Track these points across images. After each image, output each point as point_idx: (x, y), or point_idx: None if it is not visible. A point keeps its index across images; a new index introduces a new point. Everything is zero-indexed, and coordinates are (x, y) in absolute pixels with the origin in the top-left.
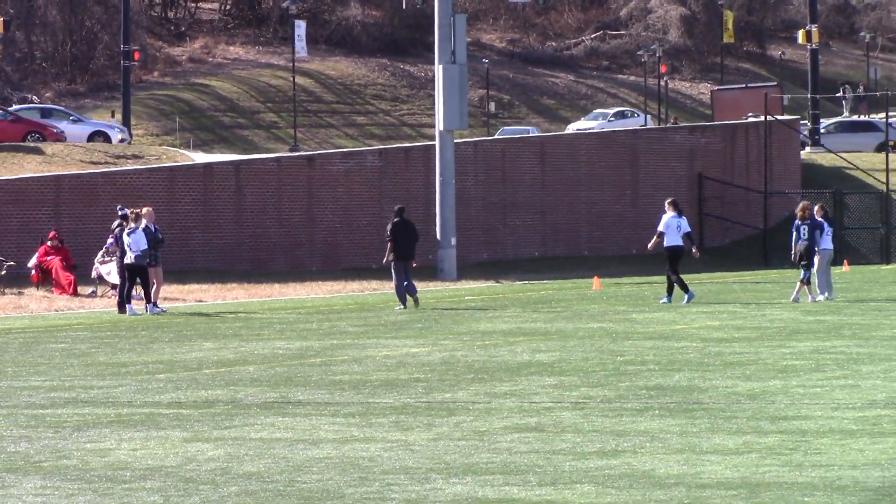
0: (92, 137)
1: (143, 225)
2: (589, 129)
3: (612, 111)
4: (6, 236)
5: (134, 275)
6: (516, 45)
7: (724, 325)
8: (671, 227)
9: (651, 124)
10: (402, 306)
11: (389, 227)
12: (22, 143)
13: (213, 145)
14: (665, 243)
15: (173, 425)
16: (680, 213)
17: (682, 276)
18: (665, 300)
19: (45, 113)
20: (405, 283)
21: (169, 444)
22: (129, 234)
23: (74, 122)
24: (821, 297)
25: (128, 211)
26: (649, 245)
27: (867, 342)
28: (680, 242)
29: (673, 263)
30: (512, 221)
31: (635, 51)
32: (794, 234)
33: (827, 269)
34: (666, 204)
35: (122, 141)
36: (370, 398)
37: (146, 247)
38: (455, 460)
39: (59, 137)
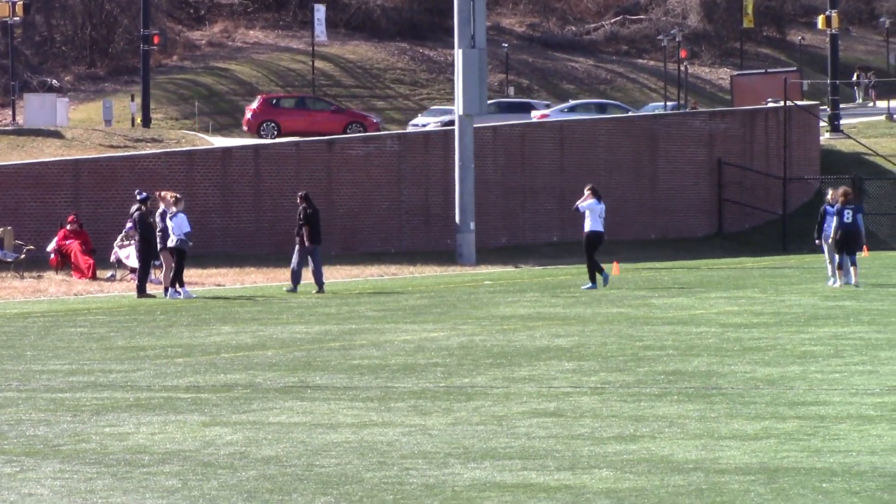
0: None
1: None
2: (426, 124)
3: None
4: (25, 220)
5: (181, 258)
6: (536, 30)
7: (743, 311)
8: (595, 212)
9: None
10: (294, 289)
11: (305, 212)
12: (42, 128)
13: (232, 129)
14: (588, 228)
15: (192, 409)
16: (600, 200)
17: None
18: (590, 286)
19: (513, 106)
20: (314, 269)
21: (187, 429)
22: (171, 218)
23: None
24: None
25: (168, 195)
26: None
27: (886, 328)
28: (602, 228)
29: (592, 248)
30: (531, 206)
31: (655, 36)
32: (836, 218)
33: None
34: (586, 190)
35: None
36: (389, 383)
37: (189, 229)
38: (473, 445)
39: (378, 128)
